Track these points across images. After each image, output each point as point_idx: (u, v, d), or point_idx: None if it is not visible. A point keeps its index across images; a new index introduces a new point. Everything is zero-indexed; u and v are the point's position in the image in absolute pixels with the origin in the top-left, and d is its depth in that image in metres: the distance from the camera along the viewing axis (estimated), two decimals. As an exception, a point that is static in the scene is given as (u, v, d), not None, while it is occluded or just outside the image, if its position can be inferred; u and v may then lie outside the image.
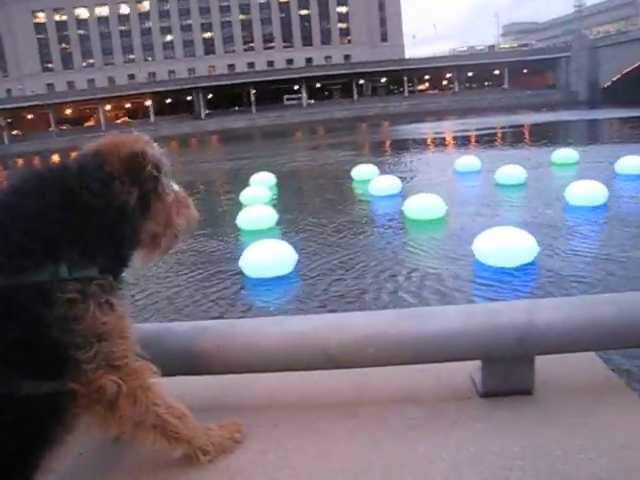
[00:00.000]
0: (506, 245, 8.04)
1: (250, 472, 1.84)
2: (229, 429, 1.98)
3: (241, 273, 8.54)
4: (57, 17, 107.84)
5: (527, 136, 34.67)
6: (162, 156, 1.84)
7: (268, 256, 8.40)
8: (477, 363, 2.18)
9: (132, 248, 1.77)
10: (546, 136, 30.94)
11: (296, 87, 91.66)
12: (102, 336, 1.55)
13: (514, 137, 34.05)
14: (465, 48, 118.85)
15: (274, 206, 13.47)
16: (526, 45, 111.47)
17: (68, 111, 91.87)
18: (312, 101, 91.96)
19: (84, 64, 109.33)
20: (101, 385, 1.57)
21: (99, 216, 1.59)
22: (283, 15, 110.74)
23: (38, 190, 1.55)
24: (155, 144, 1.85)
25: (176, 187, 1.94)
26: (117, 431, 1.72)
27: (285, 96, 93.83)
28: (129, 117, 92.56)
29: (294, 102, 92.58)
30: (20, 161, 57.54)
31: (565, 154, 18.32)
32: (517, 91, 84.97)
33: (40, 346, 1.45)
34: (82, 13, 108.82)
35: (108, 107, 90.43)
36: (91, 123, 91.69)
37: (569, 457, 1.78)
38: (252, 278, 8.41)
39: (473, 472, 1.74)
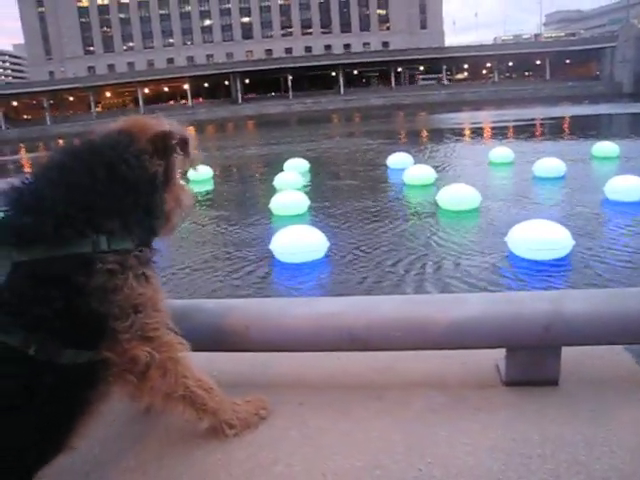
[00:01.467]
0: (541, 238, 7.90)
1: (273, 447, 1.89)
2: (255, 405, 2.03)
3: (272, 257, 8.62)
4: (99, 1, 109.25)
5: (568, 128, 33.81)
6: (187, 135, 1.95)
7: (300, 241, 8.46)
8: (502, 351, 2.18)
9: (160, 218, 1.85)
10: (587, 129, 30.13)
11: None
12: (138, 307, 1.62)
13: (554, 129, 33.22)
14: (511, 37, 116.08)
15: (307, 192, 13.49)
16: (574, 35, 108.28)
17: (108, 94, 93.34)
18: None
19: (124, 47, 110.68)
20: (134, 355, 1.64)
21: (135, 189, 1.67)
22: (322, 1, 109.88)
23: (81, 166, 1.62)
24: (179, 125, 1.95)
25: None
26: (149, 401, 1.79)
27: (420, 76, 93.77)
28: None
29: (430, 82, 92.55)
30: (61, 142, 58.78)
31: (606, 148, 17.81)
32: (559, 82, 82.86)
33: (80, 316, 1.51)
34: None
35: (147, 90, 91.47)
36: (99, 109, 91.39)
37: (591, 449, 1.78)
38: (283, 262, 8.48)
39: (492, 458, 1.76)
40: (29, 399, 1.44)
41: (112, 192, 1.61)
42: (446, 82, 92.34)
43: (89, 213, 1.54)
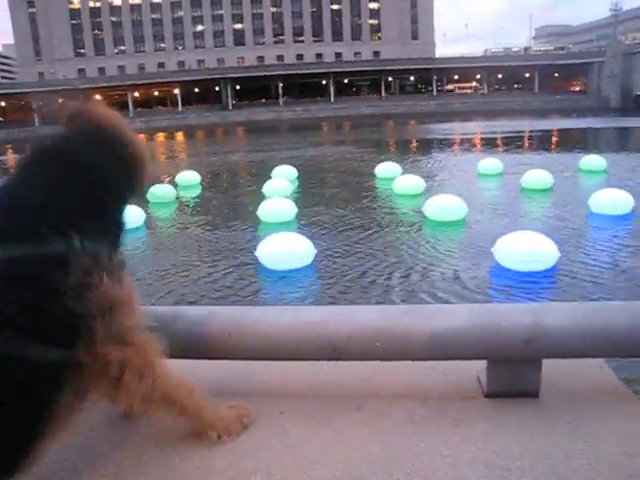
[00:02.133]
0: (527, 250, 7.96)
1: (255, 456, 1.88)
2: (237, 411, 2.02)
3: (258, 263, 8.59)
4: (91, 3, 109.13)
5: (555, 141, 34.18)
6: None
7: (286, 248, 8.45)
8: (483, 363, 2.19)
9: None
10: (575, 142, 30.51)
11: (324, 82, 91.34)
12: (113, 307, 1.60)
13: (542, 141, 33.53)
14: (501, 49, 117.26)
15: (295, 199, 13.50)
16: (563, 48, 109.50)
17: (97, 97, 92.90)
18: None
19: (115, 51, 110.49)
20: (108, 358, 1.62)
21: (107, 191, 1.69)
22: (314, 9, 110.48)
23: (50, 168, 1.63)
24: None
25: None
26: (126, 405, 1.77)
27: (457, 85, 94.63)
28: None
29: (467, 91, 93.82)
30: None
31: (593, 161, 18.03)
32: (547, 95, 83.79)
33: (54, 315, 1.49)
34: (115, 0, 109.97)
35: (137, 94, 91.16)
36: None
37: (570, 461, 1.78)
38: (268, 269, 8.46)
39: (472, 470, 1.76)
40: None
41: (82, 194, 1.62)
42: (435, 93, 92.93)
43: (63, 214, 1.55)
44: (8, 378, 1.42)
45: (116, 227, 1.75)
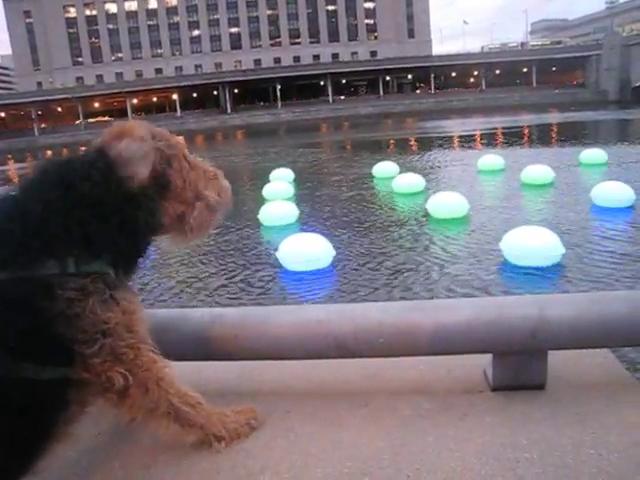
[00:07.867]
0: (534, 244, 7.92)
1: (262, 455, 1.88)
2: (245, 415, 2.02)
3: (277, 265, 8.55)
4: (87, 12, 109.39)
5: (555, 135, 34.09)
6: (168, 136, 1.82)
7: (308, 249, 8.39)
8: (489, 357, 2.19)
9: (149, 235, 1.77)
10: (574, 136, 30.42)
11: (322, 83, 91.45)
12: (107, 332, 1.56)
13: (541, 136, 33.47)
14: (497, 45, 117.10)
15: (295, 201, 13.46)
16: (559, 42, 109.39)
17: (96, 104, 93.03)
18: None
19: (113, 58, 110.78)
20: (109, 377, 1.61)
21: (103, 207, 1.56)
22: (310, 11, 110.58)
23: (41, 187, 1.55)
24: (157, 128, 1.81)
25: (201, 161, 1.94)
26: (129, 417, 1.76)
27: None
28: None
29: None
30: (49, 153, 58.66)
31: (594, 154, 17.98)
32: (545, 89, 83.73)
33: (45, 338, 1.47)
34: (111, 8, 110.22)
35: (135, 101, 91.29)
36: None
37: (578, 452, 1.79)
38: (289, 270, 8.40)
39: (480, 463, 1.76)
40: None
41: (75, 214, 1.51)
42: (433, 91, 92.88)
43: (49, 237, 1.48)
44: (6, 397, 1.41)
45: (127, 239, 1.63)
